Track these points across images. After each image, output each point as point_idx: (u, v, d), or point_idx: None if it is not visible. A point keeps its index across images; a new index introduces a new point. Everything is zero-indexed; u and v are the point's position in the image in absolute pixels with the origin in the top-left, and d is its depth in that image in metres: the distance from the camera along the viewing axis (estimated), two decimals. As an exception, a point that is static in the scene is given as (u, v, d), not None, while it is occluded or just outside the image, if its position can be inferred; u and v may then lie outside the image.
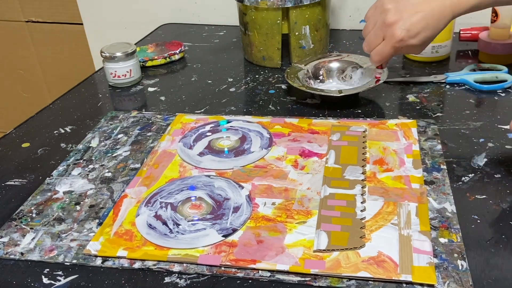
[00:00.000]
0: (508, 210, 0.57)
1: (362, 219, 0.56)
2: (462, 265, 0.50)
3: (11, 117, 1.64)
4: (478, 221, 0.56)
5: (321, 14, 0.94)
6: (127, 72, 0.92)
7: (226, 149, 0.71)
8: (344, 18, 1.17)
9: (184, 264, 0.52)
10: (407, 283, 0.49)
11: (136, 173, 0.67)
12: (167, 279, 0.51)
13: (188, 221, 0.58)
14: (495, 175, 0.63)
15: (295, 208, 0.59)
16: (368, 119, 0.77)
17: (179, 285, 0.50)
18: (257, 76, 0.95)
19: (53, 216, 0.61)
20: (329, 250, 0.52)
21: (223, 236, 0.55)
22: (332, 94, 0.78)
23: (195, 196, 0.62)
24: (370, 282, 0.49)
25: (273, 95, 0.87)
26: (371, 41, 0.73)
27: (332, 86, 0.86)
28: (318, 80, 0.87)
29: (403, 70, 0.93)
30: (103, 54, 0.91)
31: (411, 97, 0.83)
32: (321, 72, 0.87)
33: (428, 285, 0.48)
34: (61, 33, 1.46)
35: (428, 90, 0.85)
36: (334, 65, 0.87)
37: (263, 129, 0.75)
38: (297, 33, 0.94)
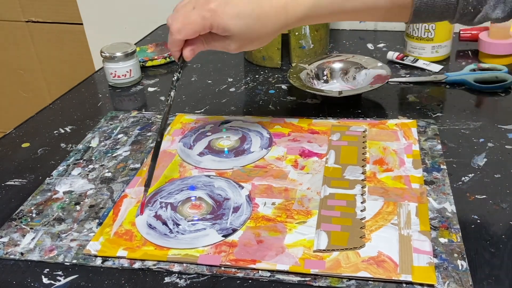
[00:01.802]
0: (508, 210, 0.57)
1: (362, 219, 0.56)
2: (462, 265, 0.50)
3: (11, 117, 1.64)
4: (478, 221, 0.56)
5: (321, 14, 0.94)
6: (127, 72, 0.92)
7: (226, 149, 0.71)
8: (344, 18, 1.17)
9: (184, 264, 0.52)
10: (407, 283, 0.49)
11: (136, 173, 0.67)
12: (167, 279, 0.51)
13: (188, 221, 0.58)
14: (495, 175, 0.63)
15: (295, 208, 0.59)
16: (368, 119, 0.77)
17: (179, 285, 0.50)
18: (257, 76, 0.95)
19: (53, 216, 0.61)
20: (329, 250, 0.52)
21: (223, 236, 0.55)
22: (332, 95, 0.78)
23: (195, 196, 0.62)
24: (370, 282, 0.49)
25: (273, 95, 0.87)
26: (180, 16, 0.60)
27: (336, 86, 0.86)
28: (322, 81, 0.87)
29: (403, 70, 0.93)
30: (103, 54, 0.91)
31: (411, 97, 0.83)
32: (325, 73, 0.87)
33: (428, 285, 0.48)
34: (61, 33, 1.46)
35: (428, 90, 0.85)
36: (338, 65, 0.87)
37: (263, 129, 0.75)
38: (297, 33, 0.94)
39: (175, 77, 0.64)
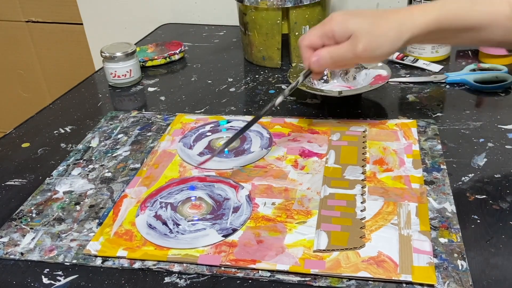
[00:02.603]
0: (508, 210, 0.57)
1: (362, 219, 0.56)
2: (462, 265, 0.50)
3: (11, 117, 1.64)
4: (478, 221, 0.56)
5: (321, 14, 0.94)
6: (127, 72, 0.92)
7: (226, 149, 0.71)
8: (344, 18, 1.17)
9: (184, 264, 0.52)
10: (407, 283, 0.49)
11: (136, 173, 0.67)
12: (167, 279, 0.51)
13: (188, 221, 0.58)
14: (495, 175, 0.63)
15: (295, 208, 0.59)
16: (368, 119, 0.77)
17: (179, 285, 0.50)
18: (257, 76, 0.95)
19: (53, 216, 0.61)
20: (329, 250, 0.52)
21: (223, 236, 0.55)
22: (332, 95, 0.78)
23: (195, 196, 0.62)
24: (370, 282, 0.49)
25: (273, 95, 0.87)
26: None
27: (336, 86, 0.86)
28: (322, 80, 0.87)
29: (403, 70, 0.93)
30: (103, 54, 0.91)
31: (411, 97, 0.83)
32: (325, 72, 0.87)
33: (428, 285, 0.48)
34: (61, 33, 1.46)
35: (428, 90, 0.85)
36: None
37: (263, 129, 0.75)
38: (297, 33, 0.94)
39: (294, 83, 0.66)
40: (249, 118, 0.78)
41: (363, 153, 0.68)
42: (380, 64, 0.84)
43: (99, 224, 0.59)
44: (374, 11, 0.61)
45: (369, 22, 0.59)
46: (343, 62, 0.62)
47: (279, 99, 0.65)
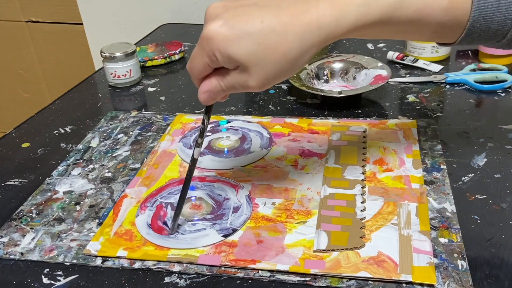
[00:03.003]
0: (508, 210, 0.57)
1: (362, 219, 0.56)
2: (462, 265, 0.50)
3: (11, 117, 1.64)
4: (478, 221, 0.56)
5: (321, 14, 0.94)
6: (127, 72, 0.92)
7: (226, 149, 0.71)
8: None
9: (184, 264, 0.52)
10: (407, 283, 0.49)
11: (136, 173, 0.67)
12: (167, 279, 0.51)
13: (188, 221, 0.58)
14: (495, 175, 0.63)
15: (295, 208, 0.59)
16: (368, 119, 0.77)
17: (179, 285, 0.50)
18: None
19: (53, 216, 0.61)
20: (329, 250, 0.52)
21: (223, 236, 0.55)
22: (331, 95, 0.78)
23: (195, 196, 0.62)
24: (370, 282, 0.49)
25: (273, 95, 0.87)
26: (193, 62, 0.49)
27: (336, 86, 0.86)
28: (322, 80, 0.87)
29: (403, 70, 0.93)
30: (103, 54, 0.91)
31: (411, 97, 0.83)
32: (325, 72, 0.87)
33: (428, 285, 0.48)
34: (61, 33, 1.46)
35: (428, 90, 0.85)
36: (338, 65, 0.87)
37: (263, 129, 0.75)
38: (297, 33, 0.94)
39: (201, 127, 0.54)
40: (249, 118, 0.78)
41: (363, 153, 0.68)
42: (380, 64, 0.84)
43: (99, 224, 0.59)
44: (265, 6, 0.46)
45: (258, 43, 0.44)
46: (236, 91, 0.49)
47: (196, 151, 0.54)
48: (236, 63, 0.45)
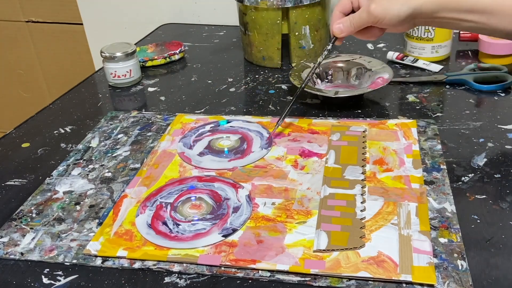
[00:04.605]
0: (508, 210, 0.57)
1: (362, 219, 0.56)
2: (462, 265, 0.50)
3: (11, 117, 1.64)
4: (478, 221, 0.56)
5: (321, 14, 0.94)
6: (127, 72, 0.92)
7: (226, 149, 0.71)
8: (344, 18, 1.17)
9: (184, 264, 0.52)
10: (407, 283, 0.49)
11: (136, 173, 0.67)
12: (167, 279, 0.51)
13: (188, 221, 0.58)
14: (495, 175, 0.63)
15: (295, 208, 0.59)
16: (368, 119, 0.77)
17: (179, 285, 0.50)
18: (257, 76, 0.95)
19: (53, 216, 0.61)
20: (329, 250, 0.52)
21: (223, 236, 0.55)
22: (327, 95, 0.79)
23: (195, 196, 0.62)
24: (370, 282, 0.49)
25: (273, 95, 0.87)
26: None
27: (338, 87, 0.86)
28: (326, 80, 0.87)
29: (403, 70, 0.93)
30: (103, 54, 0.91)
31: (411, 97, 0.83)
32: (330, 72, 0.87)
33: (428, 285, 0.48)
34: (61, 33, 1.46)
35: (428, 90, 0.85)
36: (343, 66, 0.87)
37: (263, 129, 0.75)
38: (297, 33, 0.94)
39: (325, 51, 0.72)
40: (249, 118, 0.78)
41: (363, 153, 0.68)
42: (383, 65, 0.84)
43: (99, 224, 0.59)
44: None
45: None
46: (360, 24, 0.67)
47: (319, 62, 0.74)
48: None
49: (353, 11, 0.69)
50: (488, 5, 0.60)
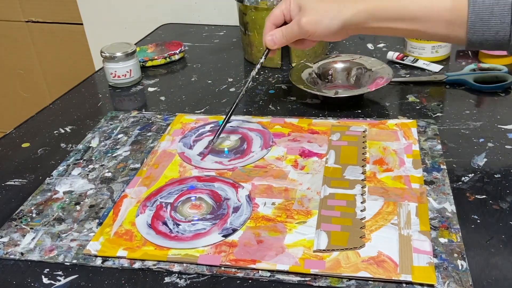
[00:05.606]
0: (508, 210, 0.57)
1: (362, 219, 0.56)
2: (462, 265, 0.50)
3: (11, 117, 1.64)
4: (478, 221, 0.56)
5: (321, 14, 0.94)
6: (127, 72, 0.92)
7: (226, 149, 0.71)
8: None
9: (184, 264, 0.52)
10: (407, 283, 0.49)
11: (136, 173, 0.67)
12: (167, 279, 0.51)
13: (188, 221, 0.58)
14: (495, 175, 0.63)
15: (295, 208, 0.59)
16: (368, 119, 0.77)
17: (179, 285, 0.50)
18: (257, 76, 0.95)
19: (53, 216, 0.61)
20: (329, 250, 0.52)
21: (223, 236, 0.55)
22: (327, 95, 0.79)
23: (195, 196, 0.62)
24: (370, 282, 0.49)
25: (273, 95, 0.87)
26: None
27: (338, 87, 0.86)
28: (326, 80, 0.87)
29: (403, 70, 0.93)
30: (103, 54, 0.91)
31: (411, 97, 0.83)
32: (330, 73, 0.87)
33: (428, 285, 0.48)
34: (61, 33, 1.46)
35: (428, 90, 0.85)
36: (343, 66, 0.87)
37: (263, 129, 0.75)
38: (297, 33, 0.94)
39: (258, 65, 0.72)
40: (249, 118, 0.78)
41: (363, 153, 0.68)
42: (384, 65, 0.84)
43: (99, 224, 0.59)
44: None
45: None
46: (292, 36, 0.66)
47: (250, 80, 0.72)
48: (300, 7, 0.64)
49: (285, 23, 0.68)
50: (417, 13, 0.60)
